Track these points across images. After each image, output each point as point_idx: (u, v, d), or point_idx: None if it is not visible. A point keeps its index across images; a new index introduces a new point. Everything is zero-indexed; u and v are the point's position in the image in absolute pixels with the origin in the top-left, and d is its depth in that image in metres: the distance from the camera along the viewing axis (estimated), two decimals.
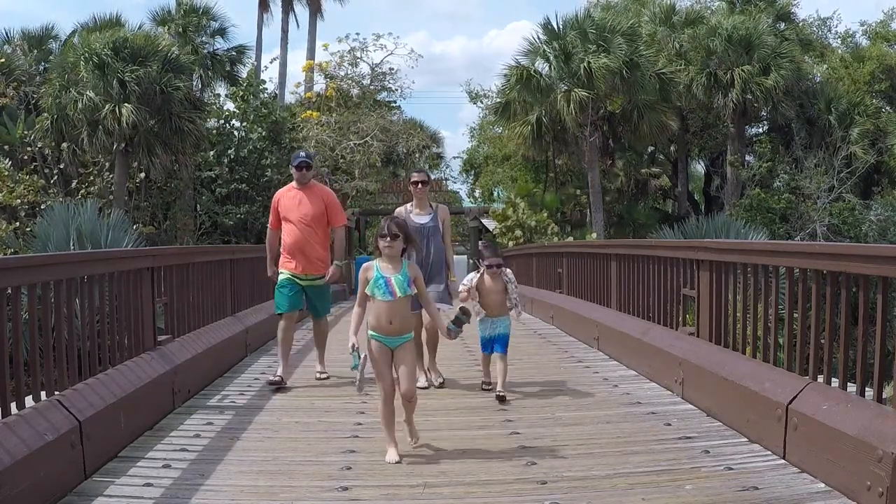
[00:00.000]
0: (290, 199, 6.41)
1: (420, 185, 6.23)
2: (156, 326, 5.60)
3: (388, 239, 4.19)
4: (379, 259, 4.24)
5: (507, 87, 20.82)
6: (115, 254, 6.17)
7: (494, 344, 5.81)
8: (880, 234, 18.21)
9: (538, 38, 20.22)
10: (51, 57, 19.73)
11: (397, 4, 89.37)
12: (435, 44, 79.12)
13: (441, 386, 6.10)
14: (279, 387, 6.04)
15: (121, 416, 4.34)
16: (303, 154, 6.58)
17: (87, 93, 15.47)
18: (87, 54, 15.84)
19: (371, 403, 5.03)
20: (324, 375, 6.49)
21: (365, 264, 4.23)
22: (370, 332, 4.19)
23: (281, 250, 6.46)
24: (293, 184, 6.48)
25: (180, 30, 20.69)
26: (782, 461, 3.91)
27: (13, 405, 3.58)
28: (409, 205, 6.34)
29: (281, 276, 6.36)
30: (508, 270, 6.07)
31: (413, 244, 4.36)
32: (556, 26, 20.00)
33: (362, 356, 4.15)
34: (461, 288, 5.91)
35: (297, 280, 6.31)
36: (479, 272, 5.91)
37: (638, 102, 19.80)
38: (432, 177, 29.29)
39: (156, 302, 5.63)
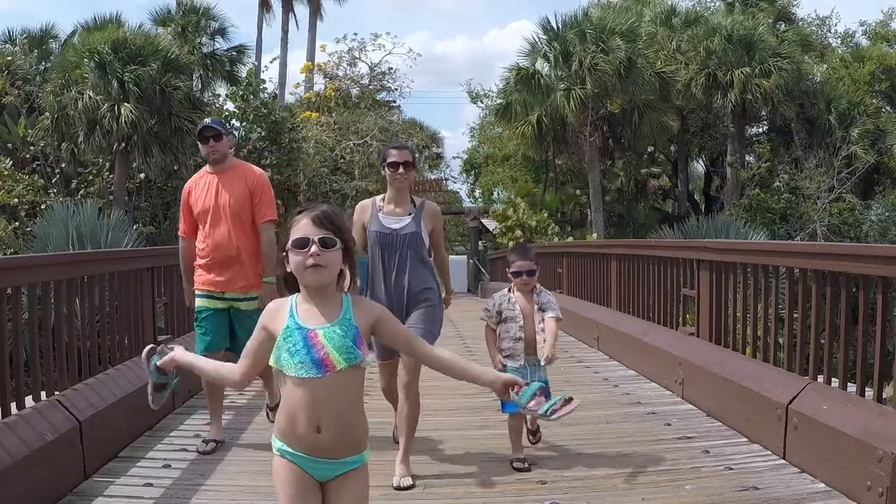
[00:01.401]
0: (202, 190, 4.48)
1: (402, 169, 3.98)
2: (156, 326, 5.61)
3: (313, 249, 2.07)
4: (299, 294, 2.15)
5: (507, 88, 20.85)
6: (115, 254, 6.17)
7: None
8: (881, 234, 18.20)
9: (538, 38, 20.25)
10: (51, 56, 19.74)
11: (398, 4, 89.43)
12: (437, 44, 79.11)
13: (409, 487, 3.71)
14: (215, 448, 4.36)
15: (121, 416, 4.33)
16: (208, 120, 4.61)
17: (87, 92, 15.47)
18: (86, 54, 15.85)
19: (371, 401, 5.03)
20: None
21: (271, 304, 2.21)
22: (278, 446, 2.12)
23: (197, 260, 4.53)
24: (206, 167, 4.55)
25: (180, 30, 20.69)
26: (782, 461, 3.91)
27: (13, 405, 3.58)
28: (379, 198, 4.12)
29: (197, 301, 4.50)
30: (550, 295, 4.16)
31: (350, 259, 2.16)
32: (555, 26, 20.02)
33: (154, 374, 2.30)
34: (483, 315, 4.15)
35: (217, 301, 4.44)
36: (509, 290, 4.13)
37: (638, 102, 19.81)
38: (431, 176, 29.19)
39: (156, 302, 5.63)
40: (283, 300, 2.16)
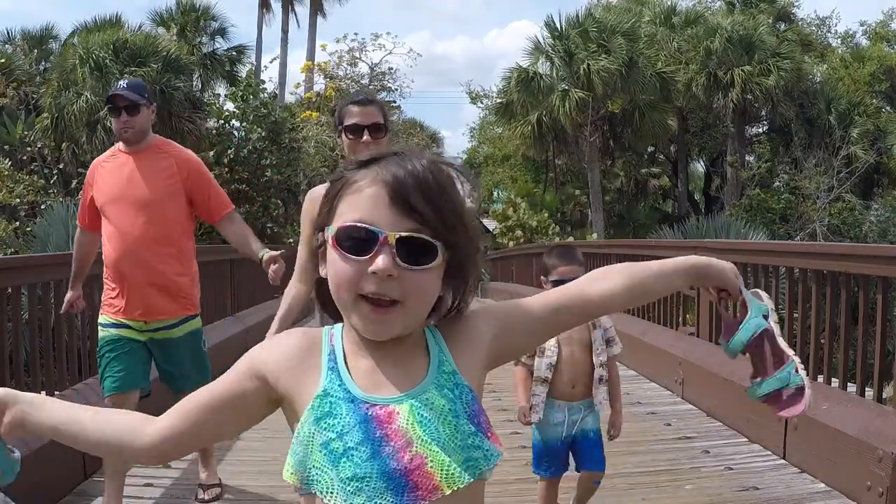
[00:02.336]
0: (111, 174, 3.27)
1: (367, 136, 2.67)
2: None
3: (381, 261, 0.96)
4: (344, 326, 1.07)
5: (507, 88, 20.91)
6: None
7: (578, 455, 3.00)
8: (880, 235, 18.23)
9: (541, 38, 20.33)
10: (51, 57, 19.77)
11: (399, 4, 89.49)
12: (437, 44, 79.28)
13: None
14: None
15: None
16: (123, 83, 3.40)
17: (86, 93, 15.50)
18: (84, 55, 15.88)
19: None
20: (212, 495, 3.47)
21: (295, 333, 1.08)
22: None
23: (104, 274, 3.31)
24: (118, 145, 3.35)
25: (180, 30, 20.72)
26: (782, 461, 3.91)
27: None
28: None
29: (101, 332, 3.26)
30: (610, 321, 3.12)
31: (463, 280, 1.09)
32: (559, 26, 20.07)
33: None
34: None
35: (133, 333, 3.23)
36: None
37: (639, 102, 19.85)
38: None
39: None
40: (315, 332, 1.09)
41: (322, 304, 1.10)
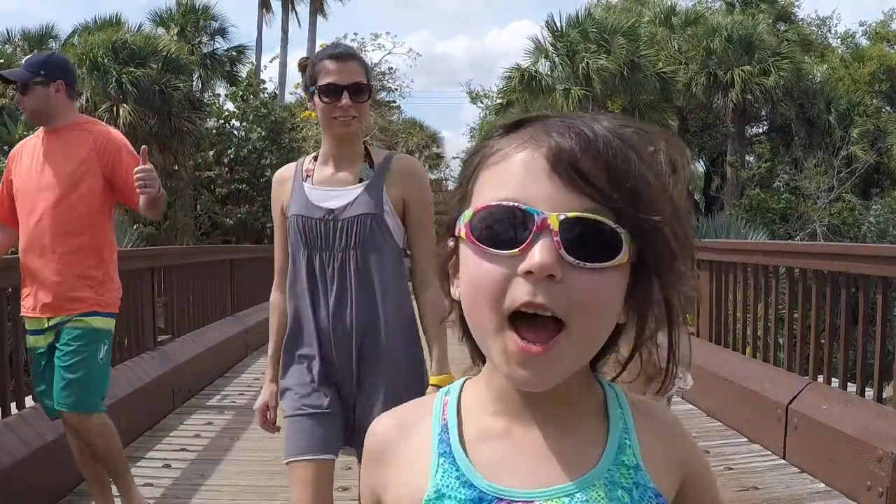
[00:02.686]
0: (27, 158, 3.00)
1: (346, 99, 2.01)
2: (156, 326, 5.61)
3: (537, 257, 0.63)
4: (466, 380, 0.77)
5: (508, 88, 20.95)
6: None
7: None
8: (880, 235, 18.22)
9: (542, 38, 20.36)
10: None
11: (399, 4, 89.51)
12: (437, 43, 79.32)
13: None
14: None
15: (120, 415, 4.33)
16: (24, 60, 3.20)
17: (86, 93, 15.51)
18: (84, 55, 15.91)
19: None
20: None
21: (374, 426, 0.79)
22: None
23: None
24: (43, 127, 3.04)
25: (179, 30, 20.73)
26: (782, 461, 3.91)
27: (13, 405, 3.58)
28: (309, 157, 2.19)
29: (27, 339, 3.06)
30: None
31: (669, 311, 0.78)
32: (559, 25, 20.11)
33: None
34: None
35: (43, 339, 2.94)
36: None
37: (639, 102, 19.87)
38: (432, 176, 29.42)
39: (156, 302, 5.63)
40: (426, 401, 0.79)
41: (465, 333, 0.75)
